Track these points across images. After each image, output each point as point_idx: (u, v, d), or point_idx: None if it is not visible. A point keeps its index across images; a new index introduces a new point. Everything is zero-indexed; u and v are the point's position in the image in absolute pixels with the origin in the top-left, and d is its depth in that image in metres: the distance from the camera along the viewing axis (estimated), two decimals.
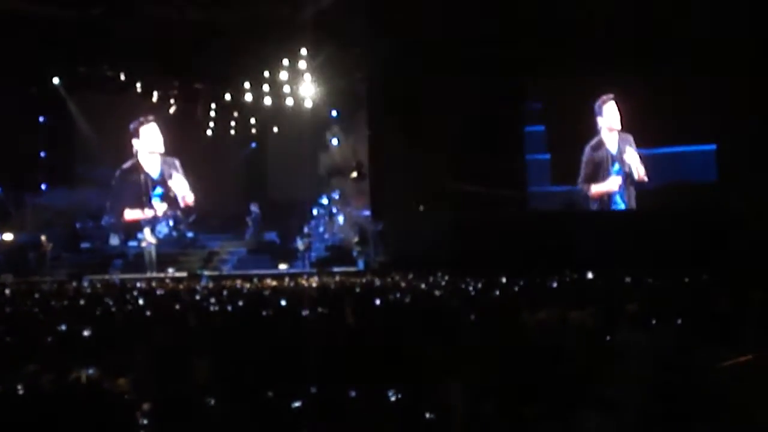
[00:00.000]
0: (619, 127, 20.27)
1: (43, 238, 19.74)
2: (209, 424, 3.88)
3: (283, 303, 9.09)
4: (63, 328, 6.80)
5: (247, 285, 14.29)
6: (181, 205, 23.74)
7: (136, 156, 23.35)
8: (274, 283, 14.94)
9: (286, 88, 21.67)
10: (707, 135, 18.36)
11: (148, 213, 23.22)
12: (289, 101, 21.95)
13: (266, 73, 21.55)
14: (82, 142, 22.42)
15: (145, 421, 3.80)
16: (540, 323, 6.09)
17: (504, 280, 12.18)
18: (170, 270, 20.28)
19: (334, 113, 22.52)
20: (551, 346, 4.98)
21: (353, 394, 4.02)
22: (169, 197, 23.64)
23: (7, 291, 12.91)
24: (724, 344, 4.64)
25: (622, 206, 20.45)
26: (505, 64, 18.67)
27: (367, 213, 21.29)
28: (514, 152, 20.00)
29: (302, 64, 20.99)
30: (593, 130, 20.44)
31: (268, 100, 22.05)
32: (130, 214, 23.06)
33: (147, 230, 21.91)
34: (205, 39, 19.89)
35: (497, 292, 10.23)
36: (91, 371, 4.49)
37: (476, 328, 6.37)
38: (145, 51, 20.02)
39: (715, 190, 18.14)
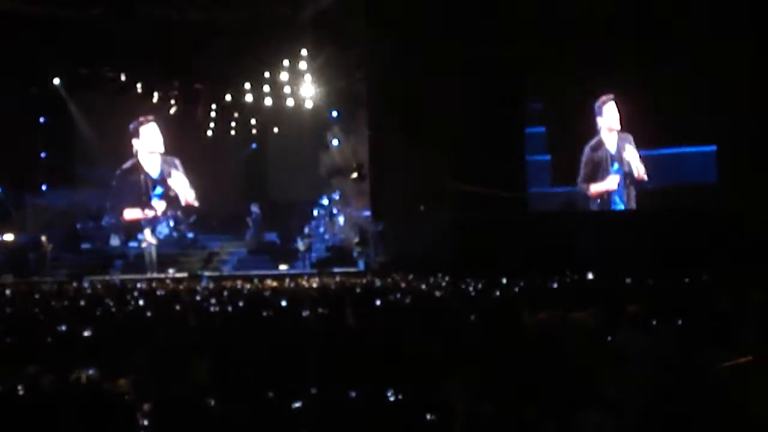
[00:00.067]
0: (619, 128, 20.25)
1: (43, 238, 19.77)
2: (209, 424, 3.87)
3: (284, 303, 9.08)
4: (63, 328, 6.80)
5: (248, 285, 14.31)
6: (182, 203, 23.75)
7: (136, 156, 23.38)
8: (275, 283, 14.96)
9: (287, 89, 21.68)
10: (707, 135, 18.33)
11: (148, 212, 23.24)
12: (290, 102, 21.96)
13: (266, 74, 21.56)
14: (82, 143, 22.45)
15: (146, 422, 3.80)
16: (540, 324, 6.10)
17: (504, 280, 12.14)
18: (170, 270, 20.30)
19: (334, 114, 22.54)
20: (551, 346, 4.98)
21: (353, 394, 4.01)
22: (169, 196, 23.66)
23: (8, 291, 12.93)
24: (724, 344, 4.64)
25: (621, 206, 20.41)
26: (505, 64, 18.64)
27: (368, 213, 21.29)
28: (515, 153, 19.97)
29: (302, 65, 21.01)
30: (593, 131, 20.40)
31: (268, 101, 22.05)
32: (130, 214, 23.07)
33: (147, 231, 21.93)
34: (205, 39, 19.88)
35: (497, 293, 10.20)
36: (91, 372, 4.50)
37: (476, 329, 6.36)
38: (146, 51, 20.02)
39: (715, 191, 18.11)
